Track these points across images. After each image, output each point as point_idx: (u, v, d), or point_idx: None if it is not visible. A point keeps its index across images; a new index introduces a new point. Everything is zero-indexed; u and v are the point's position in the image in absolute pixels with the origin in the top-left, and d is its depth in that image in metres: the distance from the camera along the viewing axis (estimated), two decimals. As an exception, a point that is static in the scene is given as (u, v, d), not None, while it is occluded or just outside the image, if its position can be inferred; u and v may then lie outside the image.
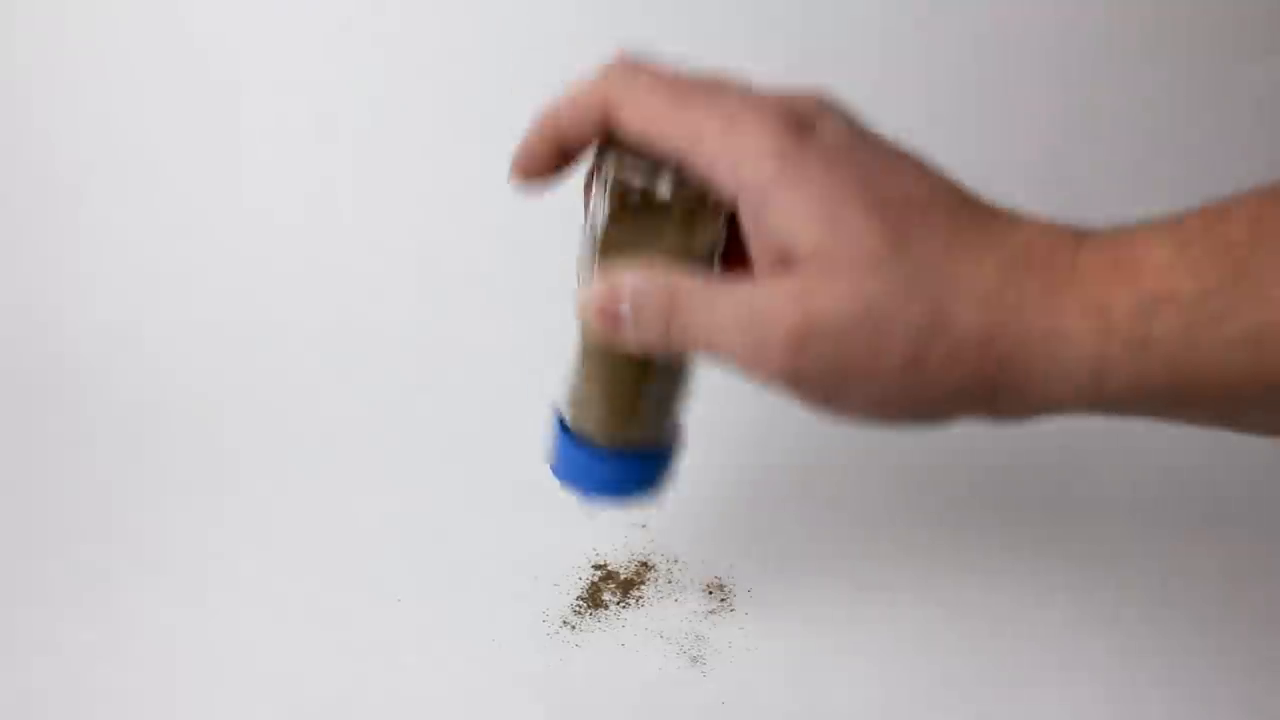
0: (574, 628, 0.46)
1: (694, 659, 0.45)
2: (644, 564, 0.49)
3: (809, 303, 0.30)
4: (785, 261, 0.30)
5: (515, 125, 0.74)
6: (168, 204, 0.68)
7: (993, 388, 0.30)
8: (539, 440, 0.56)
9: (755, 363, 0.31)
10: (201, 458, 0.56)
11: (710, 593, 0.48)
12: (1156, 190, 0.69)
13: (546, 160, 0.35)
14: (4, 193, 0.67)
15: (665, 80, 0.32)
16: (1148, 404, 0.29)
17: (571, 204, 0.73)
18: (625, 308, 0.33)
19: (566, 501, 0.52)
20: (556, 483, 0.42)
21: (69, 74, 0.67)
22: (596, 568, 0.49)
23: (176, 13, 0.66)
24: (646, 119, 0.32)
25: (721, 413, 0.48)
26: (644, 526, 0.51)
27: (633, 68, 0.33)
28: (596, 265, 0.35)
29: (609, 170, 0.33)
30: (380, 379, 0.61)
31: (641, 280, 0.33)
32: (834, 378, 0.30)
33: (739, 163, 0.30)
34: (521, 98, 0.68)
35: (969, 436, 0.37)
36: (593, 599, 0.47)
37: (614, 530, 0.51)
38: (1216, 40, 0.68)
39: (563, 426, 0.41)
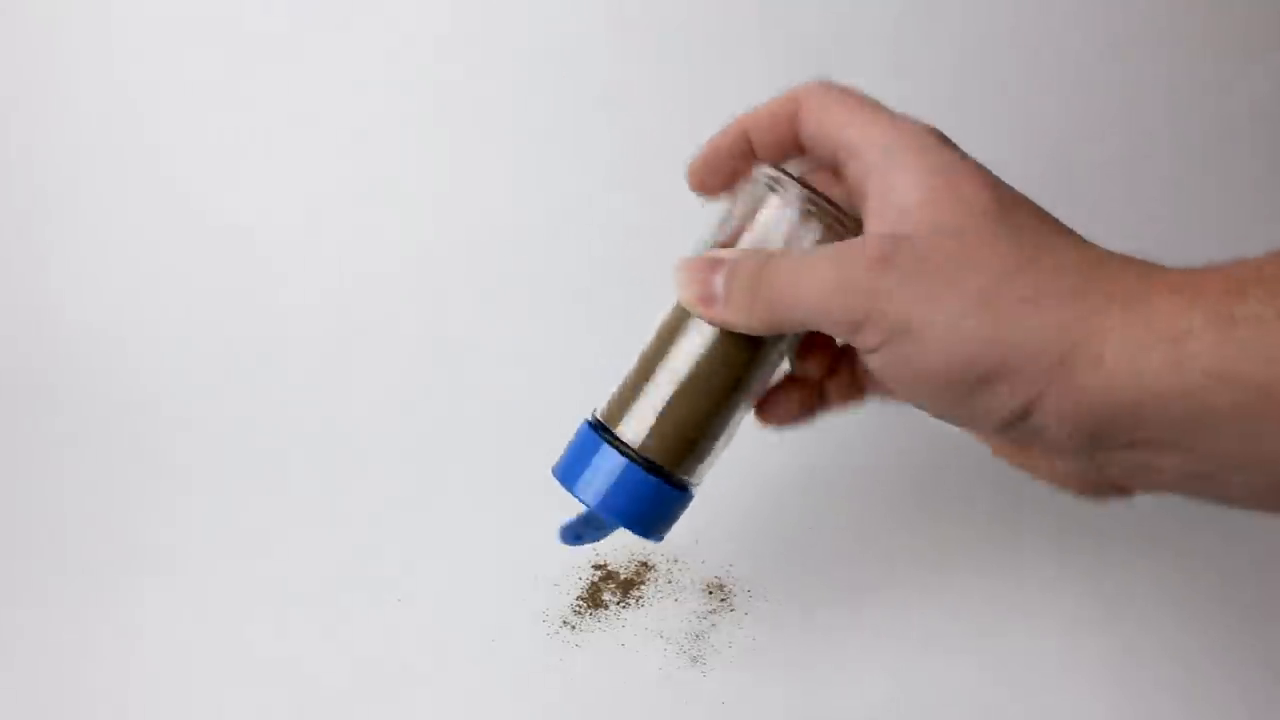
0: (574, 628, 0.46)
1: (694, 659, 0.45)
2: (644, 564, 0.49)
3: (902, 224, 0.31)
4: (900, 213, 0.31)
5: (516, 125, 0.74)
6: (168, 204, 0.68)
7: (1065, 347, 0.28)
8: (539, 440, 0.56)
9: (836, 292, 0.31)
10: (201, 458, 0.56)
11: (710, 593, 0.48)
12: (1156, 190, 0.69)
13: (728, 171, 0.38)
14: (4, 193, 0.67)
15: (847, 92, 0.35)
16: (1231, 414, 0.27)
17: (572, 204, 0.73)
18: (719, 280, 0.34)
19: (566, 502, 0.52)
20: (564, 487, 0.40)
21: (69, 74, 0.67)
22: (596, 568, 0.49)
23: (176, 12, 0.66)
24: (829, 117, 0.35)
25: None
26: (644, 526, 0.51)
27: (824, 84, 0.36)
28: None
29: (792, 186, 0.36)
30: (381, 379, 0.61)
31: (738, 253, 0.35)
32: (911, 306, 0.30)
33: (889, 147, 0.32)
34: (522, 98, 0.69)
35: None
36: (593, 599, 0.47)
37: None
38: (1216, 40, 0.68)
39: (600, 429, 0.39)
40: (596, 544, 0.50)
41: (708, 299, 0.34)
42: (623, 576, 0.48)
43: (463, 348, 0.62)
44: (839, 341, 0.38)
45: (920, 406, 0.32)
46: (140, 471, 0.55)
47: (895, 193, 0.31)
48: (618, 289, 0.65)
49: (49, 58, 0.67)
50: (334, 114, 0.69)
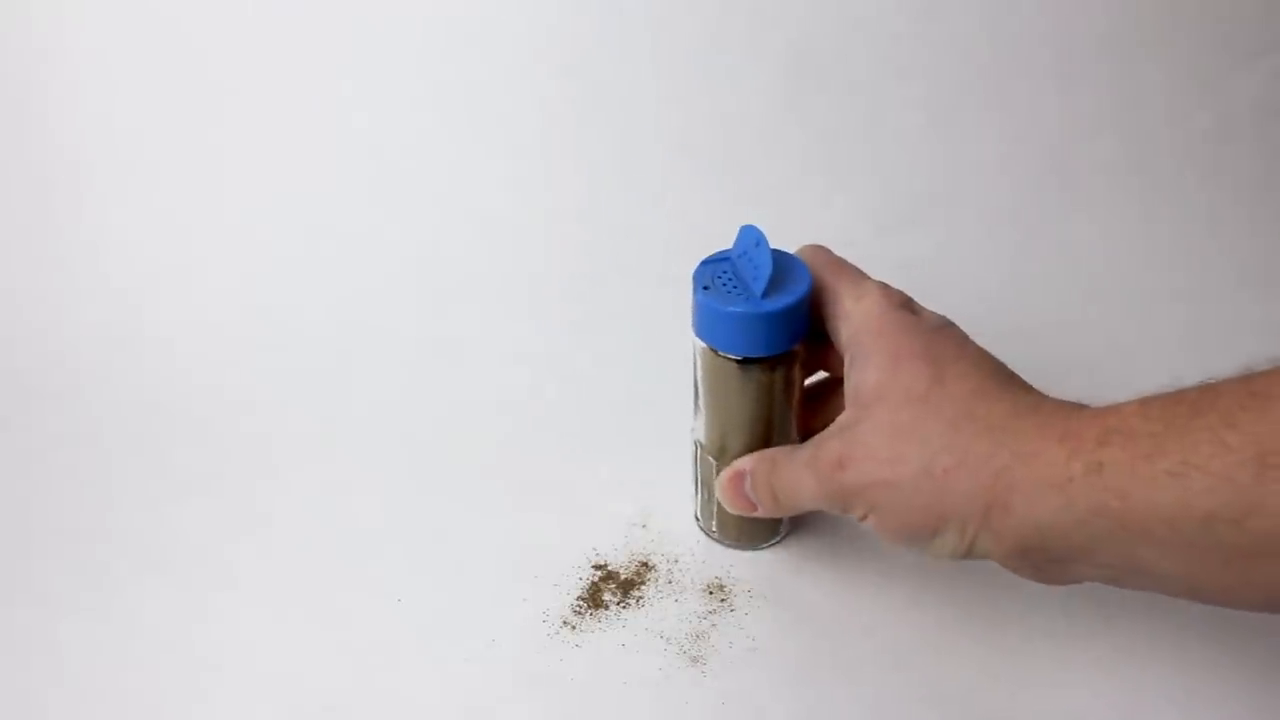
0: (574, 628, 0.46)
1: (694, 659, 0.45)
2: (644, 564, 0.49)
3: (855, 431, 0.39)
4: (855, 404, 0.40)
5: (516, 125, 0.74)
6: (168, 204, 0.68)
7: (987, 501, 0.36)
8: (539, 440, 0.56)
9: (820, 492, 0.40)
10: (201, 458, 0.56)
11: (710, 593, 0.48)
12: (1156, 190, 0.69)
13: None
14: (4, 193, 0.67)
15: (831, 258, 0.44)
16: (1110, 536, 0.34)
17: (572, 204, 0.73)
18: (748, 486, 0.44)
19: (566, 501, 0.52)
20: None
21: (69, 74, 0.67)
22: (596, 568, 0.49)
23: (177, 12, 0.66)
24: (819, 269, 0.43)
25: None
26: (644, 527, 0.51)
27: (820, 247, 0.44)
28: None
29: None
30: (380, 379, 0.61)
31: (750, 461, 0.44)
32: (870, 490, 0.38)
33: (856, 321, 0.41)
34: (522, 98, 0.69)
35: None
36: (593, 599, 0.47)
37: (614, 530, 0.51)
38: (1216, 40, 0.68)
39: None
40: (596, 544, 0.50)
41: (750, 506, 0.45)
42: (623, 576, 0.48)
43: (463, 348, 0.62)
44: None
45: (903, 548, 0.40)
46: (140, 471, 0.55)
47: (857, 376, 0.40)
48: (618, 289, 0.65)
49: (49, 58, 0.67)
50: (334, 114, 0.69)
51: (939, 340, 0.40)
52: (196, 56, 0.67)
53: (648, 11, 0.68)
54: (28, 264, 0.66)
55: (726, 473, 0.45)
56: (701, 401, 0.46)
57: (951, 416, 0.37)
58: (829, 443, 0.40)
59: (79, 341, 0.63)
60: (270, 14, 0.67)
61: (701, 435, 0.47)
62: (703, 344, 0.44)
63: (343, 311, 0.65)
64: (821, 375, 0.48)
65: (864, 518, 0.40)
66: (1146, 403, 0.34)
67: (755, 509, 0.44)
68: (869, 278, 0.43)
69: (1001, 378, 0.39)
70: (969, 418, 0.37)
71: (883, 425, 0.38)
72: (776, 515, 0.46)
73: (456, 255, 0.67)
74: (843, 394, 0.42)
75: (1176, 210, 0.68)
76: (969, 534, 0.37)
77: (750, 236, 0.42)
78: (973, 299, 0.64)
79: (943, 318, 0.42)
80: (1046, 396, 0.38)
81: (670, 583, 0.48)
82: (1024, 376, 0.40)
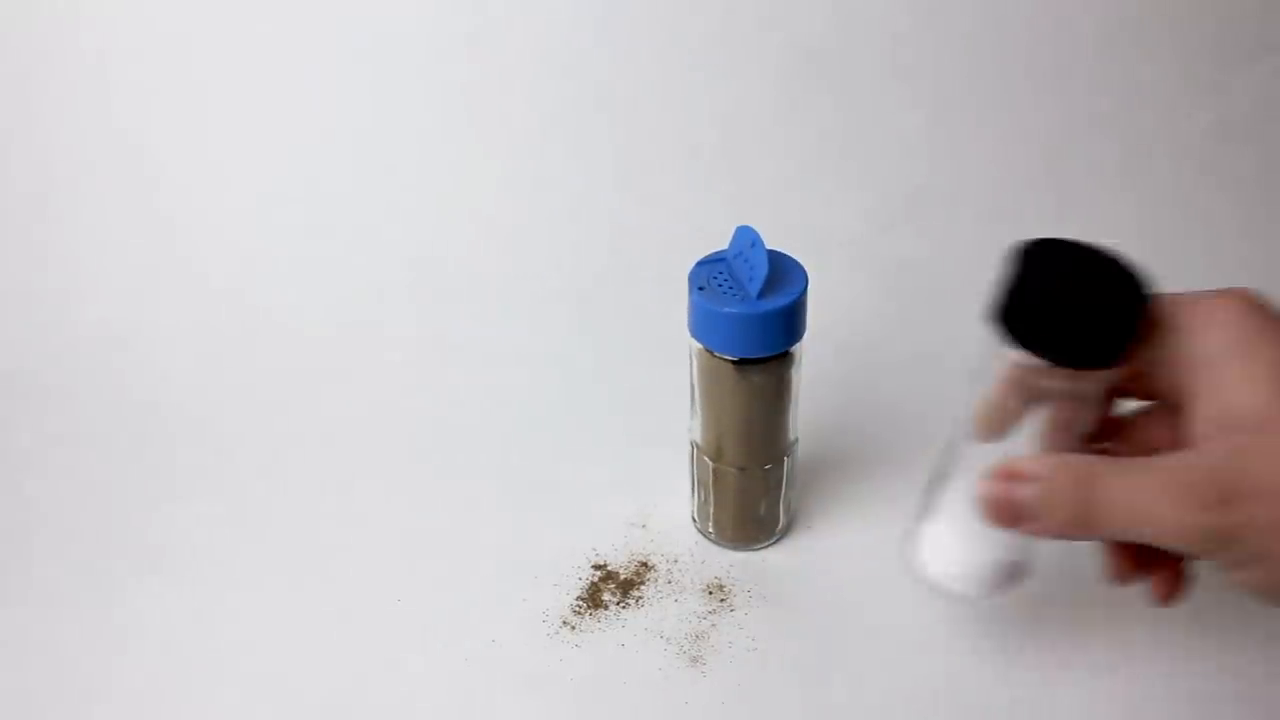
0: (574, 628, 0.46)
1: (694, 659, 0.45)
2: (644, 564, 0.49)
3: (1245, 461, 0.31)
4: (1228, 428, 0.32)
5: (516, 126, 0.74)
6: (167, 204, 0.68)
7: None
8: (539, 440, 0.56)
9: (1183, 526, 0.31)
10: (201, 458, 0.56)
11: (710, 593, 0.48)
12: (1156, 190, 0.69)
13: (1016, 411, 0.36)
14: (4, 193, 0.67)
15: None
16: None
17: (572, 204, 0.73)
18: (1029, 492, 0.34)
19: (566, 501, 0.52)
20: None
21: (69, 74, 0.67)
22: (596, 568, 0.49)
23: (177, 12, 0.66)
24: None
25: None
26: (643, 527, 0.51)
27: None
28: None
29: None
30: (380, 379, 0.61)
31: (1044, 466, 0.34)
32: (1262, 538, 0.31)
33: (1206, 333, 0.33)
34: (522, 98, 0.69)
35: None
36: (593, 599, 0.47)
37: (614, 530, 0.51)
38: (1216, 40, 0.68)
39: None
40: (596, 544, 0.50)
41: (1017, 519, 0.34)
42: (623, 576, 0.48)
43: (463, 348, 0.62)
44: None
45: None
46: (140, 471, 0.55)
47: (1224, 398, 0.32)
48: (618, 289, 0.65)
49: (49, 57, 0.67)
50: (334, 114, 0.69)
51: None
52: (196, 56, 0.67)
53: (648, 11, 0.68)
54: (28, 264, 0.66)
55: (996, 473, 0.35)
56: (698, 402, 0.46)
57: None
58: (1197, 471, 0.32)
59: (79, 341, 0.63)
60: (270, 14, 0.67)
61: (698, 436, 0.47)
62: (699, 345, 0.44)
63: (342, 311, 0.65)
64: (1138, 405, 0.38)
65: (1238, 566, 0.32)
66: None
67: (1033, 524, 0.34)
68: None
69: None
70: None
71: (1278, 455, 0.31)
72: (1073, 537, 0.34)
73: (456, 255, 0.67)
74: (1142, 425, 0.36)
75: (1176, 210, 0.68)
76: None
77: (746, 237, 0.42)
78: (972, 299, 0.64)
79: None
80: None
81: (670, 583, 0.48)
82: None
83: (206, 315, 0.64)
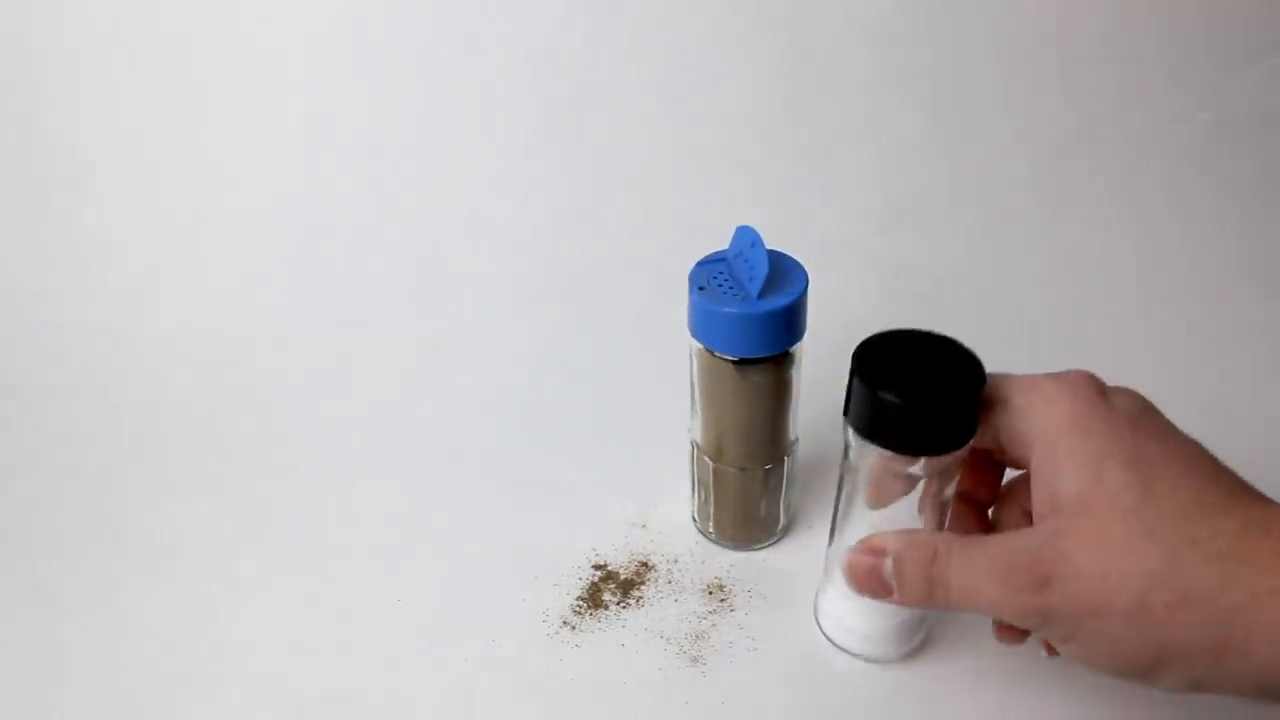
0: (574, 628, 0.46)
1: (694, 659, 0.45)
2: (644, 564, 0.49)
3: (1062, 543, 0.33)
4: (1056, 509, 0.34)
5: (516, 126, 0.74)
6: (167, 204, 0.68)
7: (1217, 642, 0.31)
8: (539, 440, 0.56)
9: (1008, 605, 0.34)
10: (201, 458, 0.56)
11: (710, 593, 0.48)
12: (1156, 190, 0.69)
13: (892, 487, 0.39)
14: (4, 193, 0.67)
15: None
16: None
17: (572, 204, 0.73)
18: (888, 567, 0.37)
19: (566, 501, 0.52)
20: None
21: (69, 74, 0.67)
22: (596, 568, 0.49)
23: (177, 12, 0.66)
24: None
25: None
26: (643, 527, 0.51)
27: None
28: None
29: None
30: (381, 379, 0.61)
31: (895, 541, 0.37)
32: (1075, 617, 0.33)
33: (1044, 413, 0.35)
34: (522, 98, 0.69)
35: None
36: (593, 599, 0.47)
37: (614, 530, 0.51)
38: (1216, 40, 0.68)
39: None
40: (596, 544, 0.50)
41: (885, 591, 0.37)
42: (623, 576, 0.48)
43: (462, 347, 0.62)
44: None
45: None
46: (140, 471, 0.55)
47: (1051, 478, 0.34)
48: (618, 289, 0.65)
49: (50, 57, 0.67)
50: (334, 114, 0.69)
51: (1142, 436, 0.34)
52: (197, 57, 0.67)
53: (648, 11, 0.68)
54: (28, 264, 0.66)
55: (859, 548, 0.38)
56: (698, 402, 0.46)
57: (1170, 541, 0.32)
58: (1021, 555, 0.34)
59: (79, 341, 0.63)
60: (270, 14, 0.67)
61: (698, 436, 0.47)
62: (699, 345, 0.44)
63: (342, 311, 0.65)
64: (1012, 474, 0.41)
65: (1062, 643, 0.35)
66: None
67: (892, 595, 0.37)
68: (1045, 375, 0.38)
69: (1220, 484, 0.34)
70: (1190, 543, 0.32)
71: (1090, 542, 0.33)
72: (927, 608, 0.39)
73: (456, 255, 0.67)
74: (1022, 490, 0.38)
75: (1176, 210, 0.68)
76: (1195, 674, 0.32)
77: (746, 237, 0.42)
78: (972, 299, 0.64)
79: (1136, 398, 0.36)
80: (1272, 502, 0.33)
81: (670, 583, 0.48)
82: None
83: (206, 315, 0.64)
